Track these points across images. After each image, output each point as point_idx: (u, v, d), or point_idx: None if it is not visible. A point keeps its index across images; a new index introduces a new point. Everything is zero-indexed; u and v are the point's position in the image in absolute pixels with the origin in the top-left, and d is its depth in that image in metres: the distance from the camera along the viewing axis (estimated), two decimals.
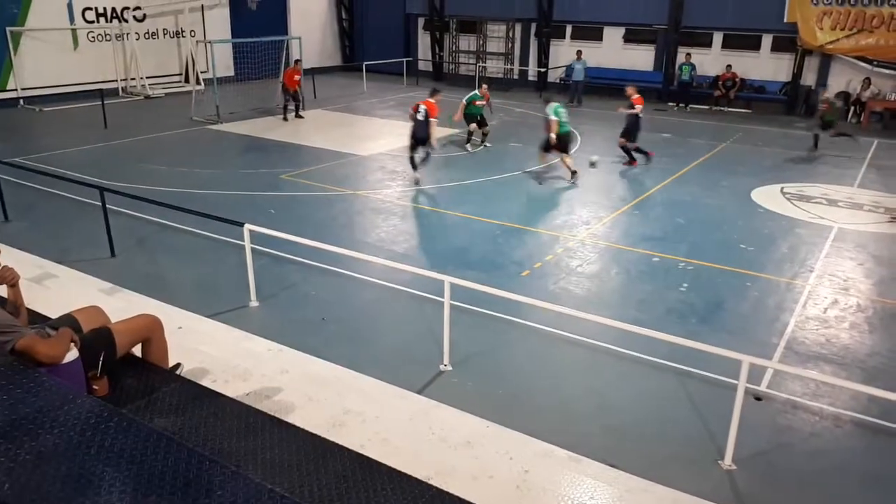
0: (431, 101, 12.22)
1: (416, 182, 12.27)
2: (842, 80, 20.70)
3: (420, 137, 12.19)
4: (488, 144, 15.48)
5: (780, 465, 5.06)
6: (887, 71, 19.59)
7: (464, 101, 15.19)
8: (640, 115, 13.75)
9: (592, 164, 13.67)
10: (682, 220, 10.72)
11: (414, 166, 12.43)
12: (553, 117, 12.43)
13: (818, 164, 14.89)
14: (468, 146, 15.21)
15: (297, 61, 18.52)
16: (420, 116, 12.05)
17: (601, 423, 5.42)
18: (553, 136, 12.47)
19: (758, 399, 5.80)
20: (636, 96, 13.67)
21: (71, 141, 14.92)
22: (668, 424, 5.45)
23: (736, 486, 4.76)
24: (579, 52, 22.92)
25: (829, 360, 6.55)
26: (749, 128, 18.91)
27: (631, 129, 13.88)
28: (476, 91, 15.45)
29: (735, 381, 4.79)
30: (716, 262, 8.92)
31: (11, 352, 3.39)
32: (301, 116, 18.49)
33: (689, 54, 21.84)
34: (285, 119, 18.05)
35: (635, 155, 14.01)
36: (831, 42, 19.93)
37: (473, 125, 15.23)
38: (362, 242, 9.31)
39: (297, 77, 17.97)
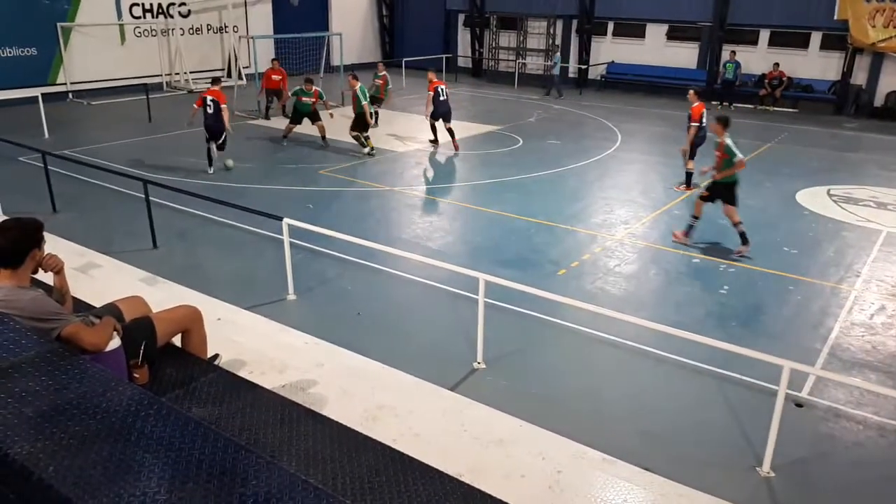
0: (215, 88, 12.19)
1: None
2: (894, 79, 20.09)
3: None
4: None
5: (820, 473, 4.94)
6: None
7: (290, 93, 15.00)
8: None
9: (227, 168, 12.63)
10: (724, 222, 10.50)
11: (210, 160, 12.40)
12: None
13: (868, 166, 14.47)
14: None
15: (273, 60, 17.68)
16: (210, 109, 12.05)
17: (636, 426, 5.35)
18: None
19: (799, 406, 5.66)
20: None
21: (117, 134, 15.30)
22: (705, 429, 5.36)
23: (774, 494, 4.66)
24: (557, 47, 24.06)
25: (875, 368, 6.36)
26: (795, 128, 18.47)
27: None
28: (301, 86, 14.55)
29: (775, 387, 4.69)
30: (758, 264, 8.73)
31: (57, 338, 3.49)
32: (268, 119, 17.37)
33: (733, 52, 21.39)
34: (267, 118, 17.39)
35: None
36: (884, 40, 19.33)
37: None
38: (398, 238, 9.35)
39: (275, 77, 17.03)
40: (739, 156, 8.72)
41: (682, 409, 5.65)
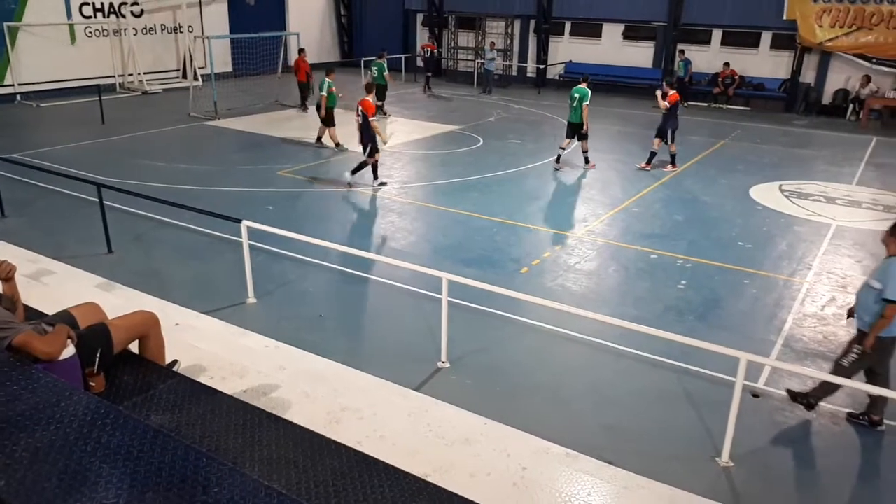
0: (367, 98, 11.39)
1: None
2: (841, 77, 20.72)
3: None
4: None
5: (777, 462, 5.07)
6: (886, 68, 19.63)
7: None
8: None
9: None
10: (681, 218, 10.72)
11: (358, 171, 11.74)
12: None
13: (817, 162, 14.90)
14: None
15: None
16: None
17: (599, 421, 5.43)
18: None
19: (755, 396, 5.81)
20: None
21: (68, 137, 14.89)
22: (665, 421, 5.46)
23: (733, 484, 4.77)
24: (492, 44, 24.68)
25: (827, 358, 6.54)
26: (748, 125, 18.92)
27: None
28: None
29: (733, 379, 4.80)
30: (714, 259, 8.92)
31: (8, 348, 3.39)
32: None
33: (682, 51, 21.98)
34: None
35: None
36: (830, 39, 19.94)
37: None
38: (360, 239, 9.30)
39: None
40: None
41: (642, 402, 5.74)
